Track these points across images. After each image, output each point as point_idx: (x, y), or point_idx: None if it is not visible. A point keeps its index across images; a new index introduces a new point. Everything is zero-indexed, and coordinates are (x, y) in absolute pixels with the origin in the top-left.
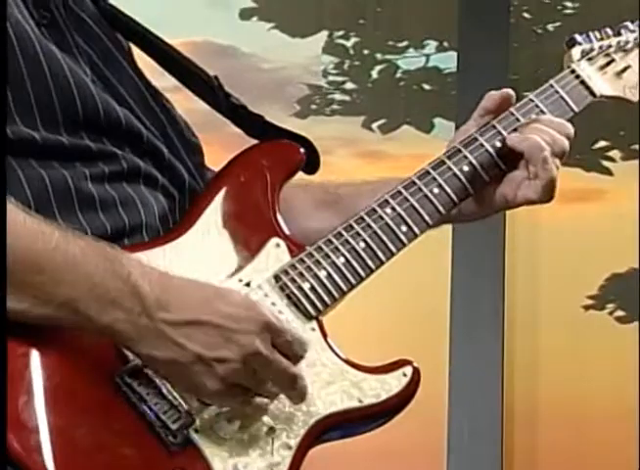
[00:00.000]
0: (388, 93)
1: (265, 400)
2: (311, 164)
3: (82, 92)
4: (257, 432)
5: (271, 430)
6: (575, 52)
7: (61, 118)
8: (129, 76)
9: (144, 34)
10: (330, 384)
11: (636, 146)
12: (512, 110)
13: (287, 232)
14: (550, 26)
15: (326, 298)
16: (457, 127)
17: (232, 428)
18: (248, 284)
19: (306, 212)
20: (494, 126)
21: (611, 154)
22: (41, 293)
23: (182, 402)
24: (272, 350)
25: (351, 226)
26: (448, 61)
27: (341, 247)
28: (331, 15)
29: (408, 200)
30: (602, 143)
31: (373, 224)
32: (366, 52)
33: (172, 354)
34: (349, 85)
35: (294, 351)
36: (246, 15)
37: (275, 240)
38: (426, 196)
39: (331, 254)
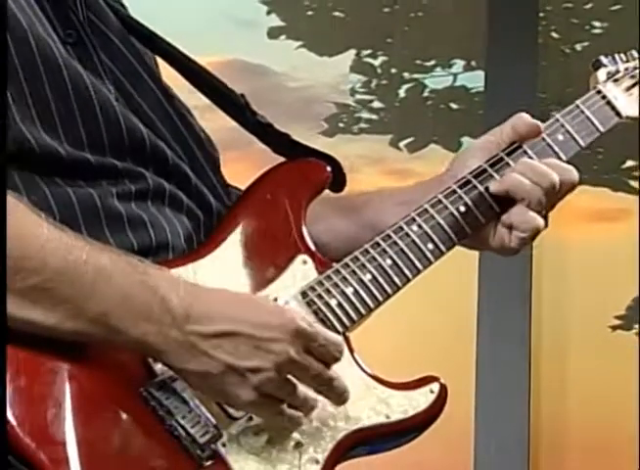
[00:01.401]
0: (415, 112)
1: (297, 413)
2: (338, 181)
3: (105, 112)
4: (285, 446)
5: (298, 444)
6: (601, 73)
7: (85, 138)
8: (153, 93)
9: (170, 50)
10: (357, 400)
11: None
12: (543, 135)
13: (313, 249)
14: (578, 46)
15: (353, 314)
16: None
17: (260, 442)
18: (275, 300)
19: (324, 218)
20: (521, 146)
21: (638, 174)
22: (72, 307)
23: (210, 416)
24: (305, 355)
25: (378, 243)
26: (476, 80)
27: (367, 264)
28: (358, 34)
29: (434, 217)
30: (629, 163)
31: (399, 241)
32: (394, 71)
33: (204, 366)
34: (377, 104)
35: (329, 353)
36: (274, 34)
37: (302, 257)
38: (452, 214)
39: (358, 270)
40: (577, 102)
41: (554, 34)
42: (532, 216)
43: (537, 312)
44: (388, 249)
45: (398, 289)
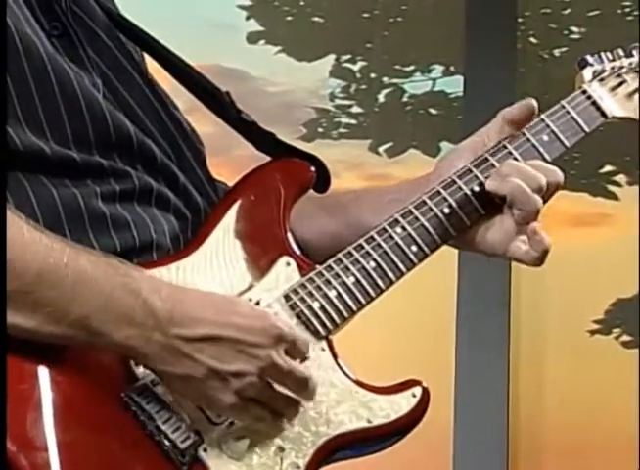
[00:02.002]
0: (394, 117)
1: (278, 418)
2: (322, 182)
3: (92, 108)
4: (266, 451)
5: (280, 449)
6: (587, 73)
7: (71, 135)
8: (139, 87)
9: (156, 46)
10: (339, 404)
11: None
12: (524, 130)
13: (297, 251)
14: (557, 51)
15: (336, 317)
16: None
17: (241, 448)
18: (257, 303)
19: (309, 216)
20: (505, 146)
21: (617, 178)
22: (53, 310)
23: (191, 422)
24: (287, 359)
25: (361, 245)
26: (455, 85)
27: (351, 266)
28: (338, 39)
29: (419, 219)
30: (608, 168)
31: (383, 244)
32: (373, 76)
33: (187, 370)
34: (356, 109)
35: (302, 354)
36: (253, 38)
37: (285, 259)
38: (436, 216)
39: (341, 273)
40: (563, 102)
41: (532, 40)
42: (545, 237)
43: (516, 316)
44: (371, 251)
45: (382, 292)
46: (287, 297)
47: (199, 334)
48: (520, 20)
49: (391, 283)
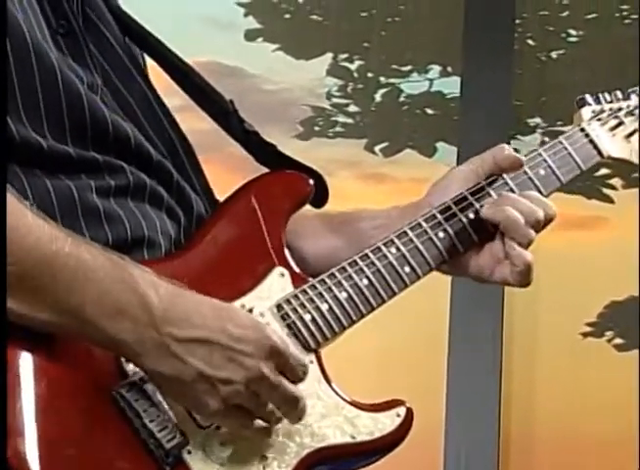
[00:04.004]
0: (391, 116)
1: (263, 426)
2: (319, 197)
3: (92, 107)
4: (250, 459)
5: (263, 458)
6: (586, 112)
7: (69, 131)
8: (140, 88)
9: (162, 50)
10: (324, 417)
11: (637, 174)
12: (525, 169)
13: (292, 263)
14: (554, 54)
15: (326, 331)
16: (459, 152)
17: (225, 453)
18: (250, 310)
19: (308, 235)
20: (503, 177)
21: (612, 182)
22: (49, 297)
23: (178, 423)
24: (276, 373)
25: (355, 262)
26: (452, 86)
27: (344, 282)
28: (335, 37)
29: (413, 241)
30: (603, 171)
31: (377, 262)
32: (370, 75)
33: (176, 371)
34: (353, 108)
35: (296, 373)
36: (251, 36)
37: (280, 269)
38: (431, 239)
39: (334, 288)
40: (561, 138)
41: (530, 42)
42: (524, 251)
43: (509, 319)
44: (365, 268)
45: (373, 309)
46: (279, 307)
47: (192, 336)
48: (517, 22)
49: (383, 301)
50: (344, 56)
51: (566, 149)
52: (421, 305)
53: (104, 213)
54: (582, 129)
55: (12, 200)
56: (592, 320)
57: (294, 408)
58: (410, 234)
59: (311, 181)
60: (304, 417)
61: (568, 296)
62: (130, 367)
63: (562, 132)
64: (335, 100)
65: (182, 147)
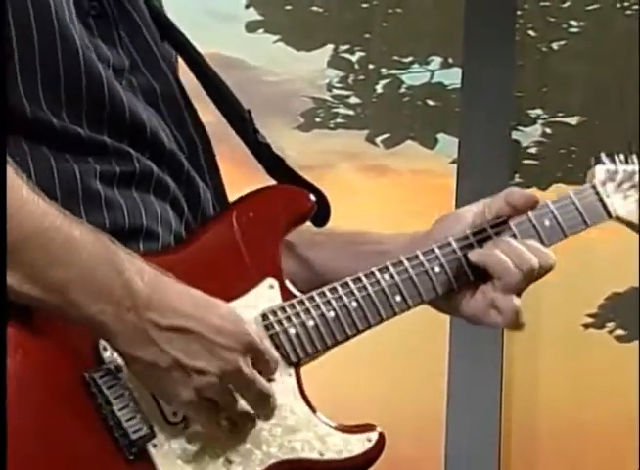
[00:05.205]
0: (392, 108)
1: (233, 427)
2: (321, 216)
3: (112, 92)
4: (215, 460)
5: (228, 461)
6: (599, 170)
7: (85, 114)
8: (167, 81)
9: (191, 52)
10: (295, 431)
11: None
12: (529, 213)
13: (283, 275)
14: (555, 45)
15: (308, 347)
16: (460, 143)
17: (191, 451)
18: None
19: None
20: (507, 222)
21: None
22: (34, 271)
23: (147, 415)
24: (252, 369)
25: (347, 284)
26: (453, 77)
27: (333, 301)
28: (336, 29)
29: (408, 271)
30: None
31: (369, 287)
32: (371, 66)
33: (153, 357)
34: (354, 99)
35: (270, 369)
36: (252, 27)
37: (270, 281)
38: (426, 272)
39: (322, 306)
40: (571, 192)
41: (531, 33)
42: (511, 299)
43: None
44: (356, 291)
45: (358, 332)
46: (264, 316)
47: (171, 324)
48: (518, 13)
49: (369, 326)
50: (345, 47)
51: (574, 204)
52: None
53: (104, 200)
54: (594, 187)
55: (10, 173)
56: (593, 311)
57: (265, 405)
58: (406, 264)
59: (313, 198)
60: (275, 428)
61: (569, 287)
62: (107, 354)
63: (562, 123)
64: (336, 91)
65: (201, 143)
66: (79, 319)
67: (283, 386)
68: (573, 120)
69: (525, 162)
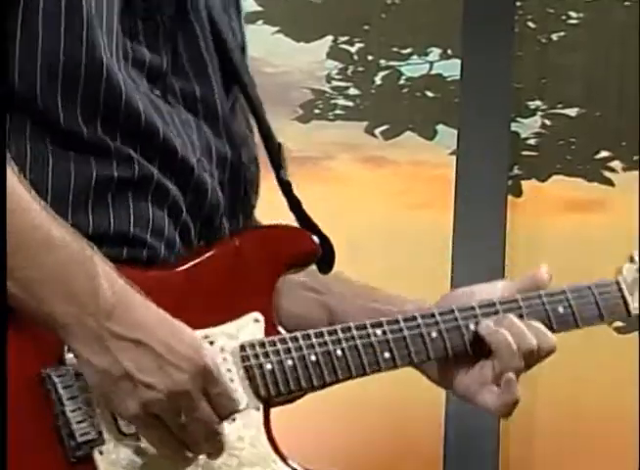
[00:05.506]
0: (391, 99)
1: (182, 451)
2: (326, 263)
3: (129, 96)
4: None
5: None
6: (628, 268)
7: (100, 117)
8: (210, 85)
9: (244, 78)
10: (252, 465)
11: (636, 157)
12: (543, 294)
13: (272, 313)
14: (554, 36)
15: (282, 386)
16: (459, 134)
17: (137, 466)
18: (211, 343)
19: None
20: (517, 300)
21: (612, 164)
22: (11, 268)
23: (100, 422)
24: (200, 396)
25: (335, 331)
26: (452, 68)
27: (317, 346)
28: (335, 20)
29: (402, 331)
30: (604, 153)
31: (358, 339)
32: (370, 58)
33: (105, 364)
34: (353, 91)
35: (221, 405)
36: (251, 18)
37: (256, 315)
38: (421, 335)
39: (304, 348)
40: (592, 285)
41: (530, 24)
42: (514, 381)
43: None
44: (343, 340)
45: (337, 381)
46: (242, 347)
47: (128, 335)
48: (517, 4)
49: (350, 378)
50: (344, 39)
51: (594, 296)
52: (422, 293)
53: (91, 204)
54: (617, 283)
55: None
56: None
57: (210, 437)
58: (401, 323)
59: (317, 241)
60: (230, 459)
61: (568, 278)
62: (70, 356)
63: (562, 115)
64: (335, 83)
65: (232, 155)
66: (44, 317)
67: (248, 418)
68: (573, 112)
69: (525, 153)
